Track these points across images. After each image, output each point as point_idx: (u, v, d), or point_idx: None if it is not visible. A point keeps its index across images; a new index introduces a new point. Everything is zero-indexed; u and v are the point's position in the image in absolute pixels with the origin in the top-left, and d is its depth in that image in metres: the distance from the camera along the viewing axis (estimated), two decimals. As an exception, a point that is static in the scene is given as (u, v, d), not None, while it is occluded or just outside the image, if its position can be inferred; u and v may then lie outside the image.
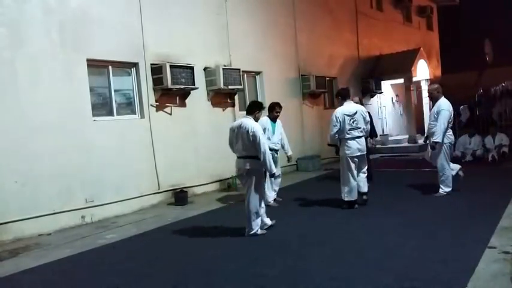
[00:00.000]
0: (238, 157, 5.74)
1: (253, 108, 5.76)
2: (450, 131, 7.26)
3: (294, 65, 12.55)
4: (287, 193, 8.32)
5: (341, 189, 6.91)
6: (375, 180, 8.89)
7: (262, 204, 5.80)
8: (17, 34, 6.61)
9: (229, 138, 5.81)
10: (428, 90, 7.62)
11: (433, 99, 7.34)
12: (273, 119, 7.57)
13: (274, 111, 7.54)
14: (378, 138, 10.86)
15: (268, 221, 5.93)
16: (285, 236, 5.67)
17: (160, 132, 8.60)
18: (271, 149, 7.15)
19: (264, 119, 7.34)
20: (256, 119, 5.72)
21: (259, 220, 5.67)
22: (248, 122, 5.57)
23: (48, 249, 5.91)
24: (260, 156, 5.45)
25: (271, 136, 7.45)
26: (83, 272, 4.97)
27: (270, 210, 6.44)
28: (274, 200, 7.64)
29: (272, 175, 5.71)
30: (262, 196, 5.69)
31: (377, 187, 8.49)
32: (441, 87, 7.44)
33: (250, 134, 5.43)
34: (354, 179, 6.81)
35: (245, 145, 5.54)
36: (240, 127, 5.57)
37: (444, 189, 7.22)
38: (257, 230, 5.66)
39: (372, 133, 8.37)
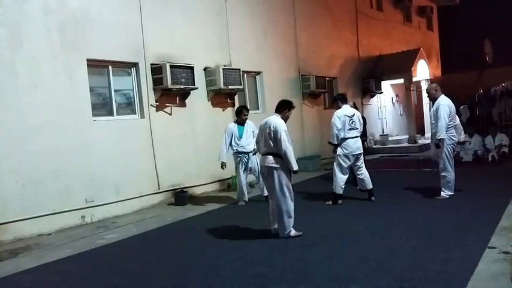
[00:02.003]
0: (262, 155, 5.65)
1: (282, 107, 5.56)
2: (454, 131, 7.02)
3: (294, 65, 12.55)
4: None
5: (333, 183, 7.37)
6: (375, 181, 8.88)
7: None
8: (17, 34, 6.61)
9: (257, 136, 5.78)
10: (426, 89, 7.53)
11: (432, 98, 7.18)
12: (241, 123, 7.84)
13: (241, 114, 7.80)
14: (369, 141, 11.19)
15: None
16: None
17: (160, 132, 8.60)
18: (240, 152, 7.74)
19: (231, 124, 7.93)
20: (286, 119, 5.53)
21: (292, 220, 5.43)
22: (272, 119, 5.44)
23: (48, 249, 5.91)
24: (281, 153, 5.30)
25: (238, 140, 7.75)
26: (82, 272, 4.97)
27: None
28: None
29: (295, 172, 5.45)
30: (291, 196, 5.45)
31: (377, 187, 8.48)
32: (439, 86, 7.29)
33: (272, 130, 5.30)
34: (343, 174, 7.27)
35: (266, 141, 5.42)
36: (265, 124, 5.48)
37: (447, 192, 7.01)
38: (290, 231, 5.43)
39: (363, 135, 8.48)
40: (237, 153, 7.81)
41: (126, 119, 8.24)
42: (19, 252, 5.82)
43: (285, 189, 5.41)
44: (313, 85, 12.67)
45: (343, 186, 7.31)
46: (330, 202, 7.35)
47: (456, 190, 7.14)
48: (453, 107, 7.06)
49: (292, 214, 5.45)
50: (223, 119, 10.06)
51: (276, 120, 5.39)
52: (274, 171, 5.39)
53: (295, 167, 5.37)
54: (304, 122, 12.80)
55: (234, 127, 7.83)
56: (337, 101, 7.52)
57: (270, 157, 5.41)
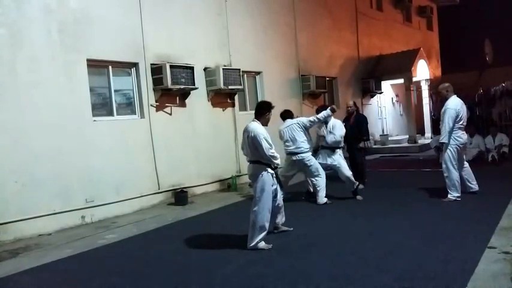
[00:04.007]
0: (248, 162, 5.44)
1: (263, 110, 5.36)
2: (460, 132, 6.83)
3: (294, 65, 12.55)
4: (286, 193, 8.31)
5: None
6: (375, 181, 8.91)
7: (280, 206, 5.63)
8: (17, 34, 6.61)
9: (242, 141, 5.59)
10: (438, 88, 7.31)
11: (443, 98, 7.00)
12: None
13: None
14: (371, 141, 11.24)
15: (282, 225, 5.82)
16: (285, 236, 5.67)
17: (160, 132, 8.60)
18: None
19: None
20: (267, 122, 5.36)
21: (263, 233, 5.18)
22: (251, 125, 5.25)
23: (48, 249, 5.91)
24: (264, 160, 5.18)
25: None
26: (82, 272, 4.97)
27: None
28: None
29: (276, 166, 5.33)
30: (269, 208, 5.21)
31: (377, 187, 8.51)
32: (452, 86, 7.01)
33: (251, 137, 5.13)
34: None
35: (247, 150, 5.30)
36: (245, 132, 5.31)
37: (453, 194, 6.84)
38: (258, 244, 5.15)
39: (362, 136, 8.50)
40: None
41: (126, 119, 8.24)
42: (19, 252, 5.82)
43: (266, 200, 5.19)
44: (313, 85, 12.67)
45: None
46: (360, 197, 7.50)
47: (464, 191, 7.04)
48: (463, 108, 6.88)
49: (266, 227, 5.21)
50: (223, 119, 10.08)
51: (255, 128, 5.18)
52: (257, 181, 5.23)
53: (277, 162, 5.26)
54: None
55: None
56: (284, 119, 7.51)
57: (253, 165, 5.28)
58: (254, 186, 5.30)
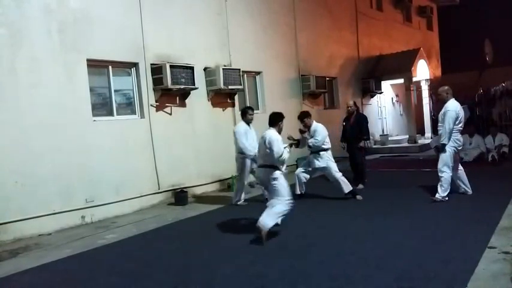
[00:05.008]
0: (258, 166, 5.95)
1: (277, 119, 5.81)
2: (458, 135, 6.93)
3: (294, 65, 12.55)
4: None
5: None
6: (375, 181, 8.90)
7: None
8: (17, 34, 6.61)
9: (257, 148, 6.05)
10: (438, 91, 7.40)
11: (442, 101, 7.08)
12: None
13: (247, 114, 7.80)
14: (371, 141, 11.29)
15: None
16: (285, 236, 5.67)
17: (160, 132, 8.60)
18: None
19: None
20: (280, 130, 5.78)
21: (276, 219, 5.57)
22: (269, 132, 5.67)
23: (48, 249, 5.91)
24: (276, 160, 5.54)
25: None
26: (82, 272, 4.97)
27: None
28: (245, 200, 8.05)
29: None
30: (284, 202, 5.57)
31: (377, 187, 8.51)
32: (451, 89, 7.11)
33: (267, 141, 5.54)
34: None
35: (261, 154, 5.73)
36: (262, 138, 5.73)
37: (440, 194, 6.89)
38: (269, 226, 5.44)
39: (363, 135, 8.52)
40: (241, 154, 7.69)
41: (126, 119, 8.24)
42: (19, 252, 5.82)
43: (281, 197, 5.56)
44: (313, 85, 12.67)
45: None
46: (360, 197, 7.55)
47: (456, 191, 7.12)
48: (462, 111, 6.98)
49: (282, 214, 5.56)
50: (223, 119, 10.08)
51: (273, 134, 5.62)
52: (270, 182, 5.61)
53: (283, 169, 5.72)
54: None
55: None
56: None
57: (265, 169, 5.67)
58: (267, 186, 5.69)
